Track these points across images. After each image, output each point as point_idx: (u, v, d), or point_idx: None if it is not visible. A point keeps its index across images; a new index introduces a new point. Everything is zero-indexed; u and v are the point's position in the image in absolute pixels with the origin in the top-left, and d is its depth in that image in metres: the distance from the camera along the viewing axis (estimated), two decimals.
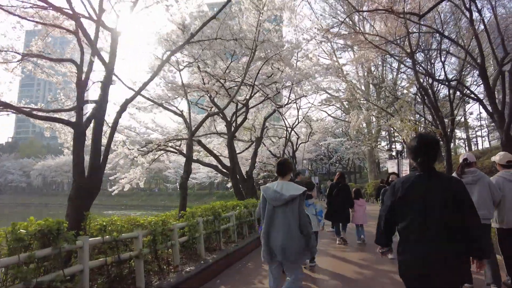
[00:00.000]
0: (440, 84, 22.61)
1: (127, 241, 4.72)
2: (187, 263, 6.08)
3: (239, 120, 15.64)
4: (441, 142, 15.59)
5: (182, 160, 22.43)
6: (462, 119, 33.90)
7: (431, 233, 2.27)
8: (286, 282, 3.64)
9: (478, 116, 48.13)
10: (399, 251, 2.45)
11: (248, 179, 15.08)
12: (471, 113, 42.48)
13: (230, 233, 8.39)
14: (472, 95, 11.46)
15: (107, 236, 4.29)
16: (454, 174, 4.29)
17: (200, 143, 11.92)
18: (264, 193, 3.63)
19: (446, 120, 15.39)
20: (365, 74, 25.16)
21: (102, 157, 5.68)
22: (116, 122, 6.04)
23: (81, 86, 5.72)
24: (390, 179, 8.79)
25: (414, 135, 19.54)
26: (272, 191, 3.55)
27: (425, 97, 18.73)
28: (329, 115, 34.18)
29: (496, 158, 4.51)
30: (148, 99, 8.87)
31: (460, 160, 4.40)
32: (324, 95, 21.60)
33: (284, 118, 21.47)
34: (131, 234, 4.66)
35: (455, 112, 17.89)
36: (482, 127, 49.30)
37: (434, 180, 2.37)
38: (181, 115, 8.88)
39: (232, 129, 13.06)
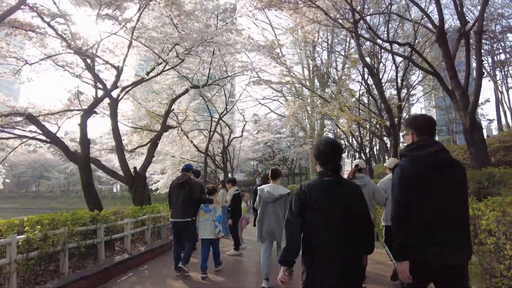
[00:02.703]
0: (386, 81, 20.32)
1: None
2: None
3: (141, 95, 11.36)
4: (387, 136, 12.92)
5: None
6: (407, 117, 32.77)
7: (340, 241, 2.28)
8: (278, 252, 4.83)
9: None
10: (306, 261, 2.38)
11: (138, 177, 11.03)
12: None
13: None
14: (428, 67, 8.60)
15: None
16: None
17: (30, 117, 7.48)
18: (260, 192, 5.09)
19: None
20: (308, 55, 22.08)
21: None
22: None
23: None
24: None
25: (354, 129, 16.77)
26: (266, 191, 5.03)
27: (369, 85, 16.10)
28: (272, 111, 31.27)
29: (386, 164, 5.30)
30: None
31: (353, 166, 4.81)
32: (254, 78, 18.05)
33: (208, 102, 17.65)
34: None
35: (403, 102, 15.38)
36: None
37: (342, 186, 2.40)
38: None
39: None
